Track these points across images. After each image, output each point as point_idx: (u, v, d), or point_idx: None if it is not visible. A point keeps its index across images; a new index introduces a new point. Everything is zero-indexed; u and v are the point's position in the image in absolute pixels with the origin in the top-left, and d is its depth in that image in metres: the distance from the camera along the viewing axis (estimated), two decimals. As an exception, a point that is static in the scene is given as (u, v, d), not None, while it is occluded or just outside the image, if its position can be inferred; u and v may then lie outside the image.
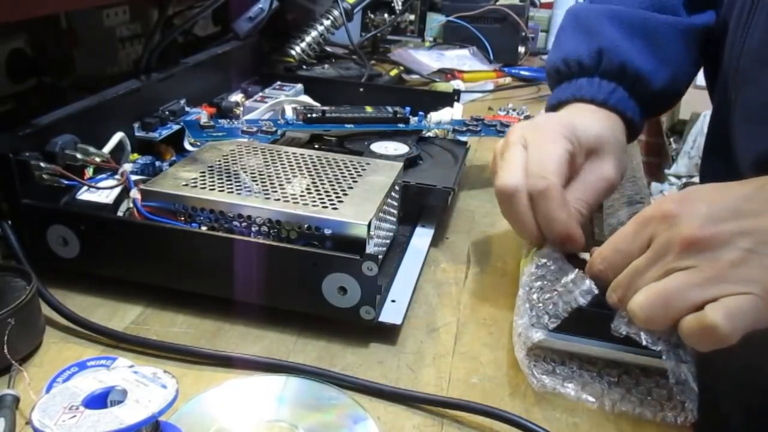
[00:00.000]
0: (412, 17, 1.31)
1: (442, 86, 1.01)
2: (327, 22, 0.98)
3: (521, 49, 1.20)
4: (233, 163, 0.51)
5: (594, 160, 0.48)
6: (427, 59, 1.09)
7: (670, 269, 0.36)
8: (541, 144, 0.46)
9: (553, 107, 0.55)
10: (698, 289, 0.35)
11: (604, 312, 0.41)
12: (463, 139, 0.69)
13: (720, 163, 0.56)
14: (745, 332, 0.34)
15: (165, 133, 0.62)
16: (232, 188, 0.47)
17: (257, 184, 0.48)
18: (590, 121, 0.49)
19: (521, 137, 0.47)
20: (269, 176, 0.49)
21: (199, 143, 0.60)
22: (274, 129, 0.63)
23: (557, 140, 0.46)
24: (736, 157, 0.51)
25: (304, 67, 0.97)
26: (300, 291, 0.44)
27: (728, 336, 0.34)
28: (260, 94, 0.76)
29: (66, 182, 0.49)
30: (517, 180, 0.45)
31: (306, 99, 0.76)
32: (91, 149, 0.51)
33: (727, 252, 0.35)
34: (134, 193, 0.48)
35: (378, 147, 0.63)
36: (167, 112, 0.63)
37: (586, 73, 0.53)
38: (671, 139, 2.23)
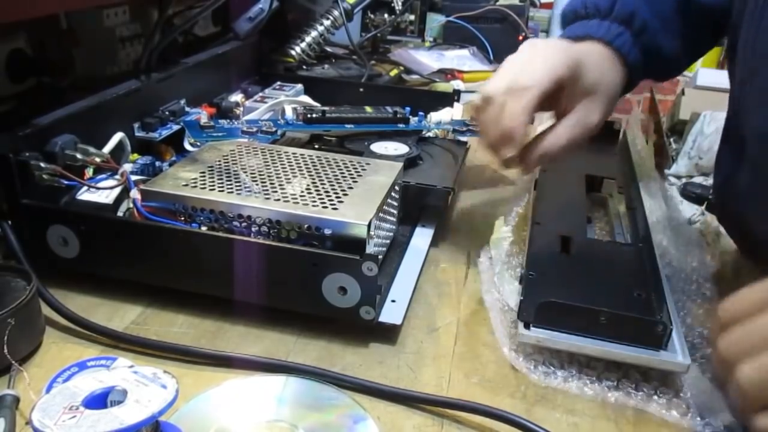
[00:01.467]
0: (412, 17, 1.31)
1: (442, 86, 1.01)
2: (327, 22, 0.98)
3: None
4: (233, 163, 0.51)
5: (587, 103, 0.50)
6: (427, 59, 1.09)
7: None
8: (539, 55, 0.48)
9: (577, 36, 0.58)
10: None
11: (597, 309, 0.41)
12: (463, 139, 0.69)
13: (734, 148, 0.56)
14: None
15: (165, 133, 0.62)
16: (232, 188, 0.47)
17: (257, 184, 0.48)
18: (596, 64, 0.51)
19: (524, 49, 0.49)
20: (269, 176, 0.49)
21: (199, 143, 0.60)
22: (274, 129, 0.63)
23: (556, 57, 0.48)
24: (745, 138, 0.51)
25: (304, 67, 0.97)
26: (300, 291, 0.44)
27: None
28: (260, 94, 0.76)
29: (66, 182, 0.49)
30: (497, 88, 0.47)
31: (306, 99, 0.76)
32: (91, 149, 0.51)
33: None
34: (134, 193, 0.48)
35: (378, 147, 0.63)
36: (167, 112, 0.63)
37: (600, 16, 0.55)
38: (671, 139, 2.23)
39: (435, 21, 1.27)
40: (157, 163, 0.59)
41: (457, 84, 1.02)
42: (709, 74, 1.02)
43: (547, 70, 0.47)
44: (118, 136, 0.56)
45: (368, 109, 0.69)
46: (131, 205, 0.48)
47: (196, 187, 0.47)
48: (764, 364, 0.31)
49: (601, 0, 0.56)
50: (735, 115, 0.55)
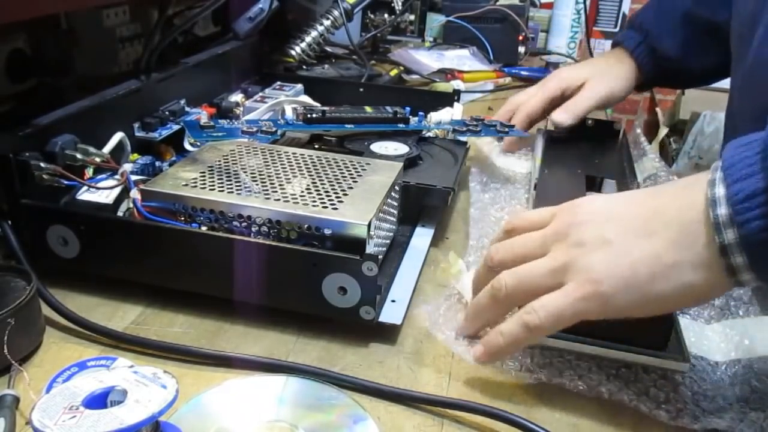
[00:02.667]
0: (412, 17, 1.31)
1: (442, 86, 1.01)
2: (327, 22, 0.98)
3: (521, 49, 1.20)
4: (233, 163, 0.51)
5: (580, 90, 0.73)
6: (427, 59, 1.09)
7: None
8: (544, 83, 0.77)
9: (612, 45, 0.81)
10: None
11: None
12: (463, 139, 0.69)
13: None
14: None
15: (165, 133, 0.62)
16: (232, 188, 0.47)
17: (257, 184, 0.48)
18: (588, 68, 0.76)
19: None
20: (269, 176, 0.49)
21: (199, 143, 0.60)
22: (274, 129, 0.63)
23: (552, 81, 0.75)
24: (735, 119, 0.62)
25: (304, 67, 0.97)
26: (300, 291, 0.44)
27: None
28: (260, 94, 0.76)
29: (66, 182, 0.49)
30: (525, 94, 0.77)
31: (306, 99, 0.76)
32: (91, 149, 0.51)
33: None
34: (134, 193, 0.48)
35: (378, 147, 0.63)
36: (167, 112, 0.63)
37: (630, 26, 0.78)
38: (671, 139, 2.23)
39: (435, 21, 1.27)
40: (157, 163, 0.59)
41: (457, 84, 1.02)
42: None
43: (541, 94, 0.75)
44: (118, 136, 0.56)
45: (368, 109, 0.69)
46: (131, 205, 0.48)
47: (196, 187, 0.47)
48: (519, 272, 0.40)
49: (637, 14, 0.78)
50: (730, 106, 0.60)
